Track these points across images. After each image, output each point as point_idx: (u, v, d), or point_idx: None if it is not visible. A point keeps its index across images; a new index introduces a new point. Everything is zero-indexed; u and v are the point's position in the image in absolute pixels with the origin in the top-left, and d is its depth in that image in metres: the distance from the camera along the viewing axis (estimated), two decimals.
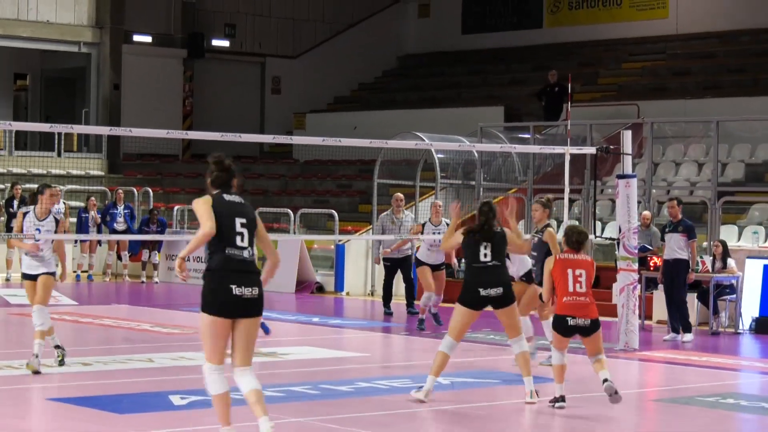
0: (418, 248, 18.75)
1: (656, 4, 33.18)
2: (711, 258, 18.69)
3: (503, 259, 11.53)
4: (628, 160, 16.44)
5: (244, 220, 8.20)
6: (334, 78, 37.29)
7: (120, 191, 26.27)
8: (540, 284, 13.46)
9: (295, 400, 11.45)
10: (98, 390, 11.70)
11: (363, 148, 27.00)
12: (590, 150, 18.05)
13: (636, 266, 16.18)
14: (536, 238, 13.52)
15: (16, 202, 24.64)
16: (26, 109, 36.09)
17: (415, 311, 18.38)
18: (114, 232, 25.31)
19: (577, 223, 20.32)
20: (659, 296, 18.87)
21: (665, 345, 16.89)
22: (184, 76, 35.75)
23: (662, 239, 18.00)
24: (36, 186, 14.53)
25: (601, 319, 11.45)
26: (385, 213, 19.88)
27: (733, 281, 18.54)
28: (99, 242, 25.95)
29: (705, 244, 20.11)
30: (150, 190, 28.43)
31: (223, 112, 35.33)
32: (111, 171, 32.83)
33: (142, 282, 25.62)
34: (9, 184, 26.39)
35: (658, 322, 19.18)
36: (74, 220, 25.93)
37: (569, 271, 11.21)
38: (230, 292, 8.01)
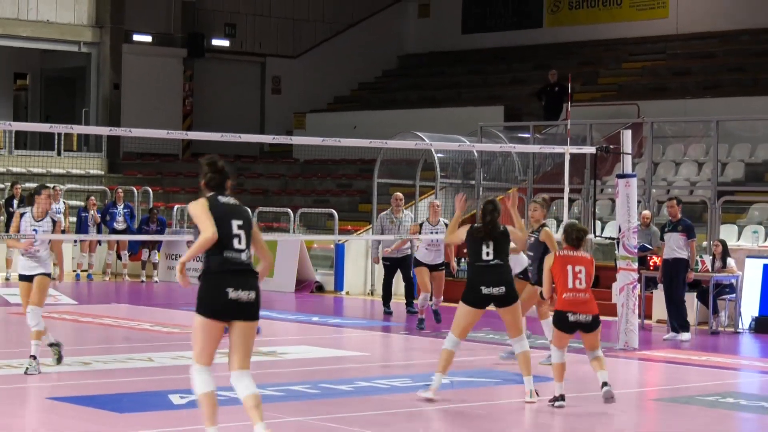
0: (418, 247, 18.74)
1: (656, 4, 33.18)
2: (711, 257, 18.69)
3: (506, 258, 11.52)
4: (627, 160, 16.44)
5: (240, 222, 8.13)
6: (334, 78, 37.29)
7: (120, 191, 26.27)
8: (536, 284, 13.48)
9: (294, 399, 11.45)
10: (98, 389, 11.70)
11: (363, 148, 26.99)
12: (590, 149, 18.05)
13: (636, 266, 16.18)
14: (532, 238, 13.52)
15: (15, 202, 24.65)
16: (26, 108, 36.09)
17: (415, 310, 18.38)
18: (114, 231, 25.31)
19: (576, 221, 20.31)
20: (659, 296, 18.87)
21: (665, 344, 16.88)
22: (184, 76, 35.75)
23: (661, 239, 18.01)
24: (35, 186, 14.50)
25: (601, 318, 11.45)
26: (384, 212, 19.86)
27: (733, 281, 18.54)
28: (99, 242, 25.95)
29: (705, 243, 20.11)
30: (150, 190, 28.42)
31: (223, 112, 35.33)
32: (111, 170, 32.84)
33: (142, 281, 25.62)
34: (9, 184, 26.39)
35: (658, 321, 19.18)
36: (74, 219, 25.94)
37: (569, 267, 11.22)
38: (226, 295, 7.93)
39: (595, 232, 17.83)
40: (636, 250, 16.17)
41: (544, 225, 13.55)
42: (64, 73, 36.11)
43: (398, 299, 20.77)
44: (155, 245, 25.75)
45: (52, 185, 26.09)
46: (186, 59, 35.65)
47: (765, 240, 20.94)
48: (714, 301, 18.32)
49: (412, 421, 10.73)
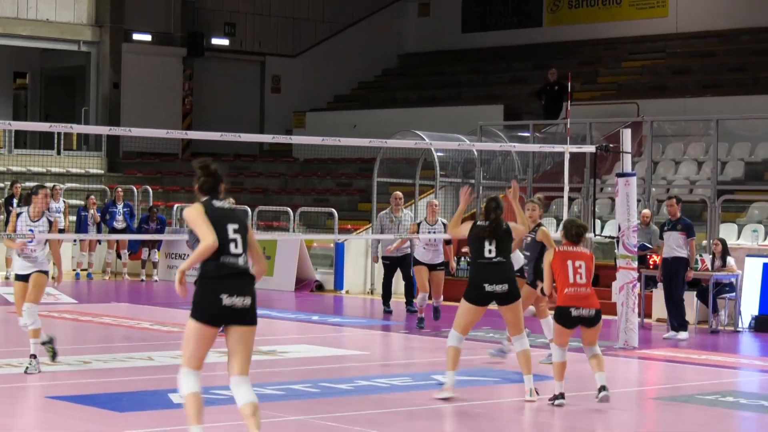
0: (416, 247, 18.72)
1: (656, 3, 33.18)
2: (710, 256, 18.69)
3: (508, 256, 11.53)
4: (627, 159, 16.44)
5: (236, 226, 7.99)
6: (334, 77, 37.28)
7: (119, 190, 26.27)
8: (531, 284, 13.48)
9: (294, 398, 11.45)
10: (98, 388, 11.70)
11: (363, 147, 26.92)
12: (590, 148, 18.05)
13: (635, 264, 16.18)
14: (529, 238, 13.51)
15: (15, 201, 24.64)
16: (26, 107, 36.09)
17: (415, 309, 18.38)
18: (113, 230, 25.30)
19: (576, 218, 20.29)
20: (659, 294, 18.87)
21: (665, 343, 16.89)
22: (183, 75, 35.75)
23: (661, 237, 18.01)
24: (33, 185, 14.46)
25: (601, 317, 11.46)
26: (383, 212, 19.86)
27: (733, 279, 18.54)
28: (98, 241, 25.95)
29: (704, 242, 20.11)
30: (149, 189, 28.42)
31: (222, 111, 35.33)
32: (111, 169, 32.83)
33: (142, 280, 25.62)
34: (9, 183, 26.39)
35: (658, 320, 19.19)
36: (74, 218, 25.93)
37: (569, 262, 11.23)
38: (220, 302, 7.79)
39: (594, 231, 17.83)
40: (636, 249, 16.18)
41: (540, 225, 13.54)
42: (63, 72, 36.11)
43: (398, 298, 20.77)
44: (155, 244, 25.75)
45: (52, 184, 26.13)
46: (186, 58, 35.65)
47: (765, 239, 20.94)
48: (714, 300, 18.32)
49: (412, 420, 10.73)
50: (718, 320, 18.54)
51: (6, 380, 12.01)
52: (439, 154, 24.79)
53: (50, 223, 12.79)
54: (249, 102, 36.79)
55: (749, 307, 18.72)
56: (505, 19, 36.32)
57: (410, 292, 20.11)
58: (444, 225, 17.81)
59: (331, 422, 10.27)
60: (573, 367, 11.54)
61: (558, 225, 20.19)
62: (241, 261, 7.93)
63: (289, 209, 25.84)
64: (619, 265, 16.10)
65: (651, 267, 18.94)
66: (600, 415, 11.13)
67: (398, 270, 19.99)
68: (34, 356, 12.32)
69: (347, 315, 20.55)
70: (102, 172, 32.41)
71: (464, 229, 11.63)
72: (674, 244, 17.41)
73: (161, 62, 35.14)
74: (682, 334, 17.22)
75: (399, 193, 19.77)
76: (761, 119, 24.31)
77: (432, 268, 17.66)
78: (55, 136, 31.58)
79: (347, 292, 24.00)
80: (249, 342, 7.95)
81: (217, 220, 7.92)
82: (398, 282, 20.49)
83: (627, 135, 16.55)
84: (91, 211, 25.44)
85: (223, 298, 7.79)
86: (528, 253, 13.66)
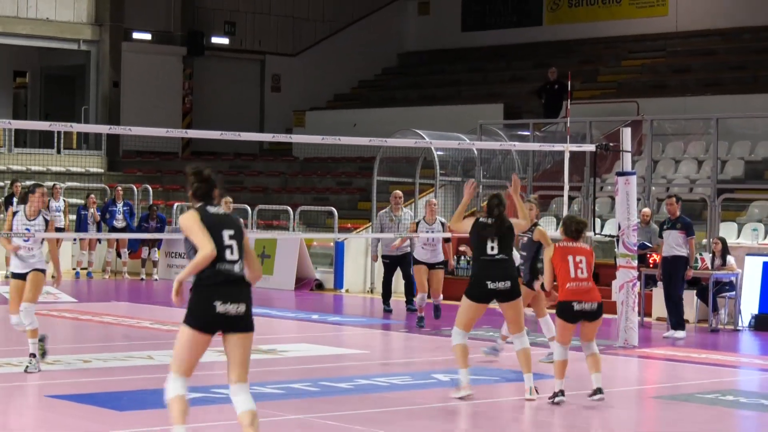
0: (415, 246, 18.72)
1: (656, 2, 33.18)
2: (710, 255, 18.68)
3: (511, 253, 11.53)
4: (627, 158, 16.44)
5: (231, 232, 7.90)
6: (334, 76, 37.28)
7: (119, 188, 26.27)
8: (528, 284, 13.46)
9: (294, 397, 11.46)
10: (97, 387, 11.70)
11: (363, 146, 26.84)
12: (590, 147, 18.05)
13: (635, 263, 16.18)
14: (525, 238, 13.50)
15: (15, 200, 24.63)
16: (26, 106, 36.10)
17: (415, 308, 18.38)
18: (113, 229, 25.29)
19: (575, 214, 20.29)
20: (659, 293, 18.87)
21: (665, 342, 16.88)
22: (183, 74, 35.75)
23: (660, 236, 18.01)
24: (29, 184, 14.39)
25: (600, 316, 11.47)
26: (383, 210, 19.86)
27: (733, 278, 18.53)
28: (98, 239, 25.95)
29: (704, 241, 20.11)
30: (149, 188, 28.42)
31: (222, 110, 35.33)
32: (111, 168, 32.83)
33: (142, 279, 25.62)
34: (9, 182, 26.39)
35: (658, 319, 19.19)
36: (74, 217, 25.93)
37: (570, 257, 11.24)
38: (214, 309, 7.68)
39: (594, 230, 17.82)
40: (636, 248, 16.18)
41: (536, 224, 13.51)
42: (63, 71, 36.11)
43: (398, 297, 20.77)
44: (155, 243, 25.75)
45: (52, 183, 26.15)
46: (185, 57, 35.65)
47: (765, 238, 20.94)
48: (714, 299, 18.32)
49: (412, 419, 10.73)
50: (718, 319, 18.53)
51: (6, 379, 12.01)
52: (439, 153, 24.79)
53: (46, 221, 12.72)
54: (249, 101, 36.79)
55: (749, 306, 18.71)
56: (505, 17, 36.32)
57: (410, 290, 20.10)
58: (443, 224, 17.81)
59: (330, 421, 10.28)
60: (572, 366, 11.54)
61: (558, 224, 20.18)
62: (236, 268, 7.82)
63: (289, 208, 25.83)
64: (619, 264, 16.10)
65: (651, 266, 18.94)
66: (600, 414, 11.13)
67: (398, 269, 19.98)
68: (33, 355, 12.32)
69: (347, 314, 20.55)
70: (102, 171, 32.41)
71: (466, 225, 11.62)
72: (674, 243, 17.40)
73: (161, 61, 35.14)
74: (679, 333, 17.20)
75: (399, 192, 19.77)
76: (761, 118, 24.30)
77: (431, 267, 17.67)
78: (55, 135, 31.57)
79: (347, 291, 24.00)
80: (246, 349, 7.83)
81: (212, 226, 7.82)
82: (398, 281, 20.49)
83: (627, 134, 16.55)
84: (91, 210, 25.44)
85: (217, 305, 7.68)
86: (524, 253, 13.65)
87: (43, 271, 12.58)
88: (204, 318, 7.72)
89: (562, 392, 11.24)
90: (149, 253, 25.85)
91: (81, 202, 26.70)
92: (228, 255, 7.79)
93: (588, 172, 22.40)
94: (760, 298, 18.71)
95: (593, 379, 11.28)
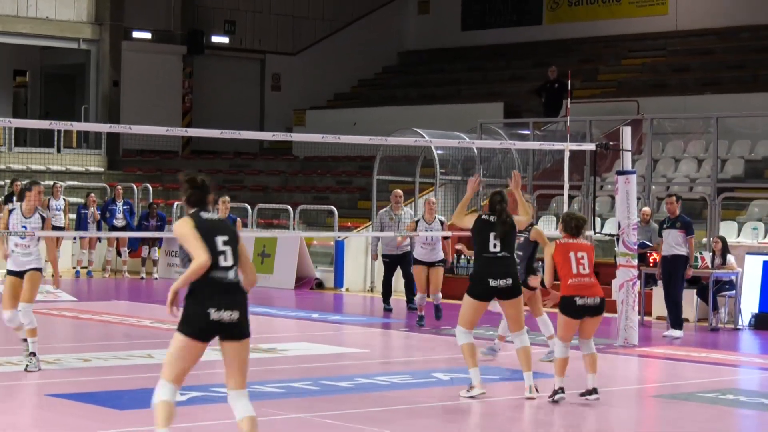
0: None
1: (656, 1, 33.18)
2: (710, 254, 18.68)
3: (512, 251, 11.52)
4: (627, 157, 16.44)
5: (225, 238, 7.78)
6: (334, 74, 37.29)
7: (119, 187, 26.26)
8: (524, 284, 13.44)
9: (295, 396, 11.45)
10: (98, 386, 11.70)
11: (363, 145, 26.95)
12: (590, 146, 18.05)
13: (635, 262, 16.18)
14: (522, 238, 13.49)
15: (15, 199, 24.64)
16: (26, 105, 36.10)
17: (415, 307, 18.38)
18: (113, 228, 25.28)
19: (574, 211, 20.29)
20: (659, 292, 18.86)
21: (665, 341, 16.87)
22: (183, 73, 35.75)
23: (660, 235, 18.00)
24: (25, 182, 14.36)
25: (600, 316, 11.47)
26: (383, 209, 19.86)
27: (733, 277, 18.53)
28: (98, 238, 25.95)
29: (704, 240, 20.11)
30: (149, 187, 28.42)
31: (222, 109, 35.34)
32: (111, 167, 32.83)
33: (142, 278, 25.62)
34: (8, 181, 26.38)
35: (658, 318, 19.18)
36: (74, 216, 25.93)
37: (571, 254, 11.24)
38: (208, 316, 7.63)
39: (595, 229, 17.82)
40: (636, 247, 16.18)
41: (532, 224, 13.50)
42: (63, 70, 36.12)
43: (398, 296, 20.76)
44: (155, 242, 25.75)
45: (52, 182, 26.15)
46: (185, 56, 35.66)
47: (765, 237, 20.93)
48: (714, 298, 18.32)
49: (412, 417, 10.73)
50: (718, 318, 18.53)
51: (6, 378, 12.01)
52: (439, 152, 24.79)
53: (43, 219, 12.64)
54: (249, 100, 36.79)
55: (749, 305, 18.71)
56: (505, 16, 36.32)
57: (410, 289, 20.08)
58: (441, 223, 17.81)
59: (331, 420, 10.28)
60: (572, 365, 11.53)
61: (557, 223, 20.17)
62: (231, 274, 7.74)
63: (289, 207, 25.83)
64: (619, 263, 16.10)
65: (651, 265, 18.94)
66: (600, 413, 11.13)
67: (398, 268, 19.97)
68: (33, 354, 12.31)
69: (347, 313, 20.55)
70: (102, 169, 32.42)
71: (468, 221, 11.60)
72: (673, 242, 17.40)
73: (161, 60, 35.15)
74: (676, 332, 17.18)
75: (399, 191, 19.77)
76: (761, 117, 24.31)
77: (430, 265, 17.66)
78: (55, 133, 31.58)
79: (347, 289, 24.00)
80: (242, 356, 7.75)
81: (206, 232, 7.73)
82: (398, 280, 20.49)
83: (627, 133, 16.55)
84: (91, 209, 25.43)
85: (211, 312, 7.62)
86: (521, 253, 13.62)
87: (40, 269, 12.54)
88: (198, 325, 7.66)
89: (562, 390, 11.24)
90: (149, 252, 25.85)
91: (81, 201, 26.70)
92: (222, 261, 7.72)
93: (588, 171, 22.40)
94: (760, 297, 18.70)
95: (589, 379, 11.28)
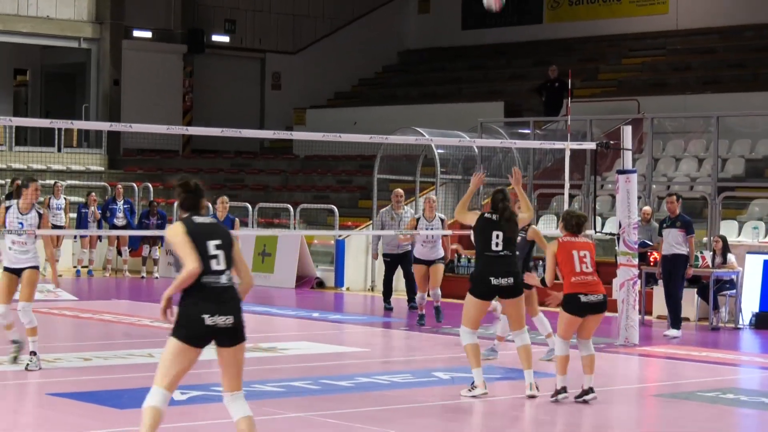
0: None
1: (656, 0, 33.17)
2: (711, 253, 18.68)
3: (514, 249, 11.52)
4: (628, 156, 16.44)
5: (218, 242, 7.73)
6: (335, 73, 37.29)
7: (120, 187, 26.26)
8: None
9: (295, 395, 11.45)
10: (98, 385, 11.70)
11: (363, 144, 26.99)
12: (590, 145, 18.04)
13: (636, 261, 16.18)
14: (519, 237, 13.48)
15: (13, 196, 24.62)
16: (26, 104, 36.10)
17: (416, 306, 18.38)
18: (114, 227, 25.28)
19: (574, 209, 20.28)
20: (659, 291, 18.85)
21: (665, 340, 16.87)
22: (184, 72, 35.75)
23: (660, 234, 17.99)
24: (21, 178, 14.32)
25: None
26: (384, 209, 19.86)
27: (733, 276, 18.53)
28: (99, 237, 25.94)
29: (705, 239, 20.11)
30: (150, 186, 28.43)
31: (223, 108, 35.33)
32: (111, 166, 32.83)
33: (143, 277, 25.62)
34: (9, 180, 26.38)
35: (658, 317, 19.18)
36: (74, 215, 25.93)
37: (574, 252, 11.23)
38: (202, 322, 7.56)
39: (595, 228, 17.82)
40: (636, 246, 16.18)
41: (529, 224, 13.49)
42: (64, 69, 36.12)
43: (399, 295, 20.76)
44: (156, 241, 25.75)
45: (53, 181, 26.15)
46: (186, 55, 35.66)
47: (765, 236, 20.93)
48: (714, 297, 18.32)
49: (413, 417, 10.73)
50: (719, 317, 18.53)
51: (6, 377, 12.01)
52: (439, 151, 24.79)
53: (40, 215, 12.60)
54: (249, 99, 36.80)
55: (750, 304, 18.71)
56: (506, 16, 36.17)
57: (411, 288, 20.08)
58: (442, 221, 17.81)
59: (331, 419, 10.27)
60: (571, 364, 11.52)
61: (558, 222, 20.17)
62: (223, 278, 7.67)
63: (289, 206, 25.84)
64: (619, 262, 16.10)
65: (651, 264, 18.94)
66: (600, 412, 11.13)
67: (399, 267, 19.97)
68: (34, 353, 12.31)
69: (348, 312, 20.55)
70: (102, 169, 32.41)
71: (470, 218, 11.59)
72: (673, 242, 17.39)
73: (161, 59, 35.14)
74: (673, 332, 17.15)
75: (400, 191, 19.77)
76: (761, 116, 24.31)
77: (431, 263, 17.66)
78: (56, 133, 31.59)
79: (348, 289, 24.00)
80: (238, 361, 7.72)
81: (198, 237, 7.69)
82: (399, 279, 20.48)
83: (627, 132, 16.55)
84: (92, 209, 25.43)
85: (205, 318, 7.56)
86: (518, 252, 13.62)
87: (37, 267, 12.51)
88: (192, 330, 7.61)
89: (564, 389, 11.23)
90: (150, 251, 25.85)
91: (82, 200, 26.70)
92: (214, 265, 7.66)
93: (589, 171, 22.40)
94: (761, 296, 18.70)
95: (585, 380, 11.28)
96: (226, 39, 36.54)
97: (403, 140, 21.05)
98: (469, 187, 12.04)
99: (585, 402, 11.21)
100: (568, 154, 16.84)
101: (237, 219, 20.10)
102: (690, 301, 18.58)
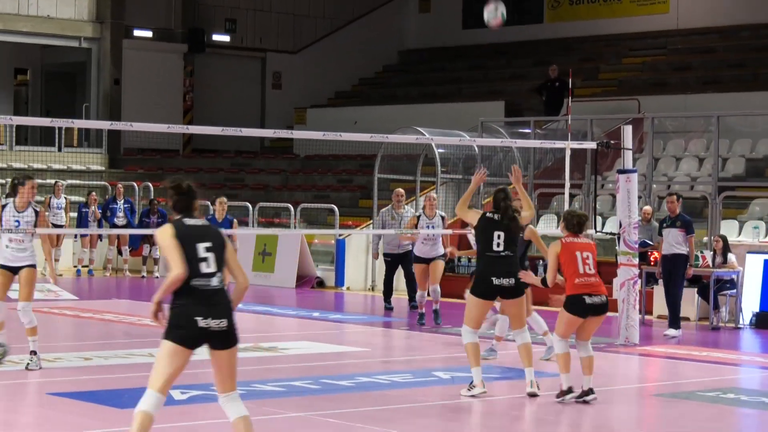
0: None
1: (656, 0, 33.17)
2: (711, 253, 18.68)
3: (515, 249, 11.52)
4: (628, 155, 16.44)
5: (208, 244, 7.66)
6: (335, 73, 37.29)
7: (120, 186, 26.26)
8: None
9: (295, 394, 11.45)
10: (98, 385, 11.70)
11: (363, 143, 26.98)
12: (591, 145, 18.05)
13: (636, 261, 16.18)
14: None
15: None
16: (27, 104, 36.10)
17: (416, 306, 18.38)
18: (114, 227, 25.29)
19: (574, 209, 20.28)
20: (659, 291, 18.85)
21: (665, 340, 16.87)
22: (184, 71, 35.75)
23: (660, 234, 17.99)
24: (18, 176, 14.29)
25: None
26: (385, 208, 19.87)
27: (734, 276, 18.52)
28: (99, 237, 25.95)
29: (705, 239, 20.11)
30: (150, 185, 28.43)
31: (223, 107, 35.33)
32: (112, 166, 32.83)
33: (143, 277, 25.62)
34: (9, 179, 26.36)
35: (659, 317, 19.17)
36: (75, 215, 25.93)
37: (577, 253, 11.22)
38: (195, 324, 7.52)
39: (595, 228, 17.81)
40: (637, 246, 16.17)
41: (527, 224, 13.48)
42: (64, 68, 36.12)
43: (399, 295, 20.75)
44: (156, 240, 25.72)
45: (54, 181, 26.15)
46: (186, 54, 35.65)
47: (766, 235, 20.93)
48: (714, 297, 18.31)
49: (413, 416, 10.73)
50: (719, 317, 18.53)
51: (7, 377, 12.00)
52: (440, 150, 24.79)
53: (36, 213, 12.56)
54: (250, 98, 36.79)
55: (750, 304, 18.71)
56: (506, 15, 36.27)
57: (412, 288, 20.07)
58: (442, 218, 17.82)
59: (331, 419, 10.27)
60: (571, 364, 11.52)
61: (559, 222, 20.17)
62: (214, 281, 7.61)
63: (290, 205, 25.84)
64: (620, 262, 16.09)
65: (652, 264, 18.93)
66: (601, 412, 11.12)
67: (399, 266, 19.97)
68: (34, 353, 12.30)
69: (348, 312, 20.55)
70: (103, 168, 32.41)
71: (471, 215, 11.58)
72: (673, 241, 17.39)
73: (162, 58, 35.14)
74: (671, 332, 17.15)
75: (401, 190, 19.77)
76: (762, 115, 24.30)
77: (431, 260, 17.65)
78: (56, 132, 31.59)
79: (348, 288, 24.00)
80: (231, 361, 7.69)
81: (187, 239, 7.63)
82: (399, 278, 20.48)
83: (628, 131, 16.55)
84: (92, 208, 25.43)
85: (198, 320, 7.53)
86: None
87: (35, 266, 12.48)
88: (185, 332, 7.57)
89: (571, 389, 11.19)
90: (150, 251, 25.84)
91: (82, 199, 26.70)
92: (203, 268, 7.61)
93: (589, 170, 22.40)
94: (761, 295, 18.70)
95: (585, 381, 11.27)
96: (226, 38, 36.54)
97: (404, 140, 21.05)
98: (469, 186, 12.03)
99: (585, 402, 11.21)
100: (568, 153, 16.84)
101: (235, 219, 20.06)
102: (690, 300, 18.57)
